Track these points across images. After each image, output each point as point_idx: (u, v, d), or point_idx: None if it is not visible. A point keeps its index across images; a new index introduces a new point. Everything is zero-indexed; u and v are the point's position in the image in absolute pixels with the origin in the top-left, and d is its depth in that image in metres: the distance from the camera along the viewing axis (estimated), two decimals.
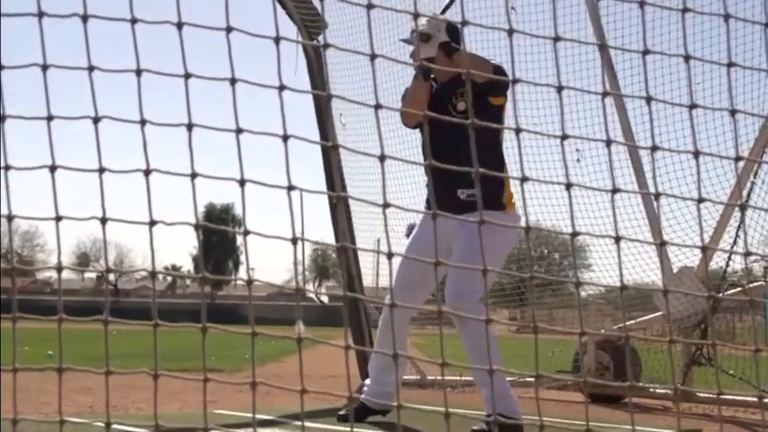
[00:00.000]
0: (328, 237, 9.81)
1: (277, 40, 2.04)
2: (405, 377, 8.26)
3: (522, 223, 5.42)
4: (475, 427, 4.81)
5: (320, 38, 8.48)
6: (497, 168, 4.99)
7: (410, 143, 7.60)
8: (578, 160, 7.66)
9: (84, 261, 78.02)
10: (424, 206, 5.62)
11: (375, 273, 9.15)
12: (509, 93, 5.21)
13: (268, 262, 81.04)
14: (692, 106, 2.14)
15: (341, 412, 5.36)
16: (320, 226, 10.14)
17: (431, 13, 6.08)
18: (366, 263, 8.89)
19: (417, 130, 5.60)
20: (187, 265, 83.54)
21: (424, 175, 5.68)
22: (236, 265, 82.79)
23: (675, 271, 7.50)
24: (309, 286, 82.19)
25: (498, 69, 5.09)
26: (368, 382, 5.54)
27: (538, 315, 9.63)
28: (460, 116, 5.07)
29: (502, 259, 5.27)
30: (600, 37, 7.37)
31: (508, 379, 5.55)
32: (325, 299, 70.77)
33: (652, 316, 8.04)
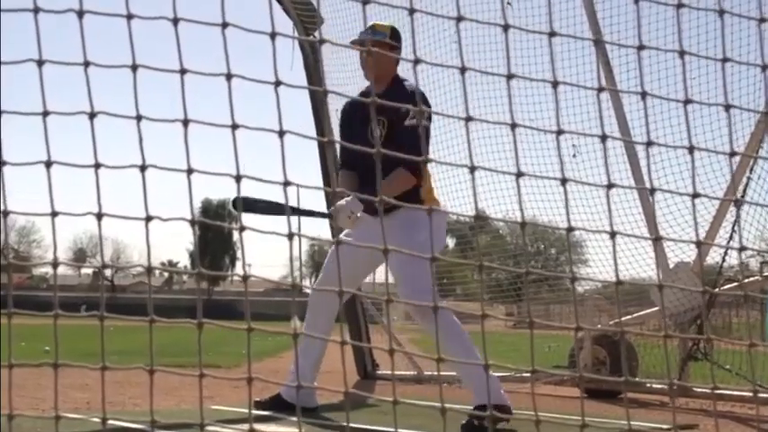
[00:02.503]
0: (325, 232, 9.82)
1: (273, 35, 2.04)
2: (401, 372, 8.27)
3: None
4: (463, 422, 4.84)
5: (316, 33, 8.48)
6: None
7: None
8: (574, 156, 7.67)
9: (80, 257, 78.03)
10: None
11: None
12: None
13: (265, 258, 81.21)
14: (687, 102, 2.14)
15: (258, 399, 5.56)
16: (316, 220, 10.11)
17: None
18: None
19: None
20: (184, 261, 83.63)
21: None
22: (233, 260, 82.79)
23: (672, 266, 7.50)
24: (306, 282, 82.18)
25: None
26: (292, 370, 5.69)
27: (534, 310, 9.65)
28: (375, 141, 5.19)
29: (437, 250, 5.43)
30: (596, 32, 7.37)
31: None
32: None
33: (648, 311, 8.04)
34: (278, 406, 5.43)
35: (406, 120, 5.18)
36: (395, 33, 5.55)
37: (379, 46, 5.37)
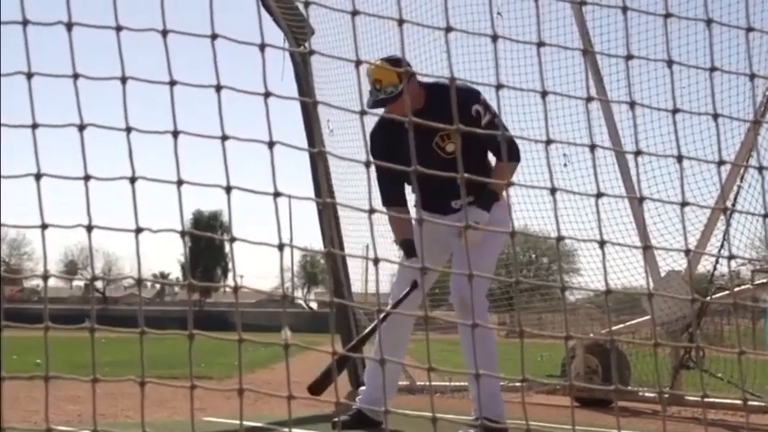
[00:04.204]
0: (317, 242, 9.83)
1: (262, 47, 2.04)
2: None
3: (511, 212, 5.49)
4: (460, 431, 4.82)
5: (306, 44, 8.48)
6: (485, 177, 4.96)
7: None
8: (565, 165, 7.68)
9: (71, 269, 77.74)
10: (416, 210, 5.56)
11: (364, 278, 9.15)
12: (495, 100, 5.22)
13: (257, 268, 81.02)
14: (675, 111, 2.15)
15: (335, 419, 5.31)
16: (309, 231, 10.15)
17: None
18: (354, 268, 8.88)
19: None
20: (176, 273, 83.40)
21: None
22: (225, 272, 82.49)
23: (663, 274, 7.51)
24: (298, 293, 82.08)
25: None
26: (362, 388, 5.54)
27: (527, 319, 9.65)
28: (449, 156, 5.01)
29: (502, 245, 5.30)
30: (585, 41, 7.39)
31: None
32: (314, 305, 70.73)
33: (640, 320, 8.05)
34: (359, 422, 5.23)
35: (480, 121, 4.76)
36: (396, 63, 4.88)
37: (399, 94, 4.90)
